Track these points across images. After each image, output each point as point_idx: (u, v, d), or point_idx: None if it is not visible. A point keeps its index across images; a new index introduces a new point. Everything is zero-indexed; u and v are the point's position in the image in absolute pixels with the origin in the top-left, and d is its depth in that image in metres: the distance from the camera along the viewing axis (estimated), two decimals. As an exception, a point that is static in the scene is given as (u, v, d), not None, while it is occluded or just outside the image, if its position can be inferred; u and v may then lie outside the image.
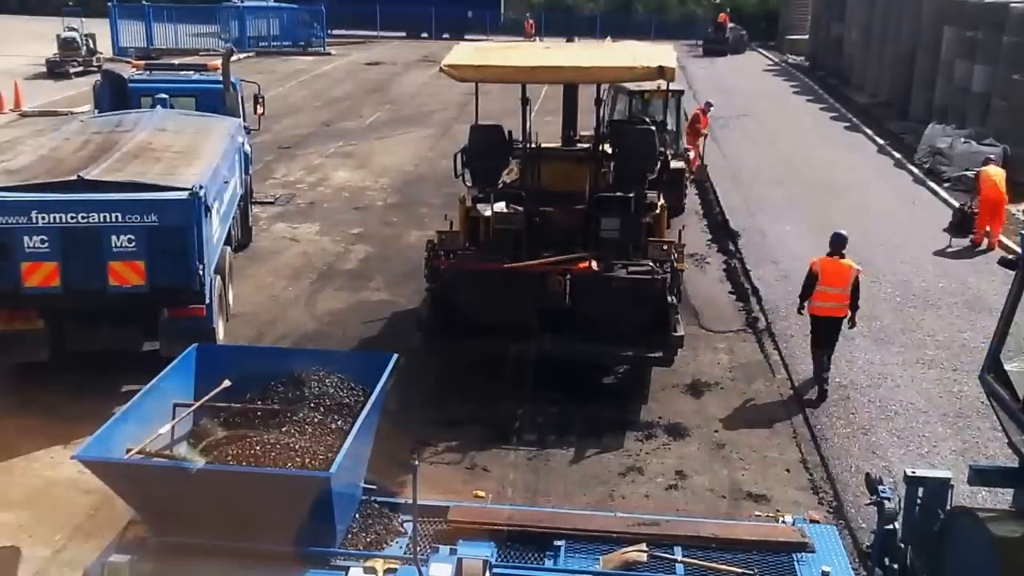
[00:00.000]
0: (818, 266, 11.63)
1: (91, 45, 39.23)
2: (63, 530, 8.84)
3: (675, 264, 11.56)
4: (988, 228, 17.53)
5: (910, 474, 6.72)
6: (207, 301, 11.50)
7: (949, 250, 17.68)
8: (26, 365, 11.83)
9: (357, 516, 5.90)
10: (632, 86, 17.49)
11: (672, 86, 13.89)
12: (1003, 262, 8.14)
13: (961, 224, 18.31)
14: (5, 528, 8.80)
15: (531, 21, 55.49)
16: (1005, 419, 6.80)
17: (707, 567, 5.57)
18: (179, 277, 11.07)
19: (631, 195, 11.67)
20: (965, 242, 17.91)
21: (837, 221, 19.12)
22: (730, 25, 52.27)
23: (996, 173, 17.70)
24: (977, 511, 6.34)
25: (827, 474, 10.24)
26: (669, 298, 11.19)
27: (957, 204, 19.34)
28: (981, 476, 7.33)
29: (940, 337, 13.74)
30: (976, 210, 17.88)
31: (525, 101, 12.43)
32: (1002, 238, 17.56)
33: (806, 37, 48.03)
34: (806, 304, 11.88)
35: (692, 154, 20.76)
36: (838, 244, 11.58)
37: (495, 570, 5.35)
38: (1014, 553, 5.61)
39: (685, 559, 5.61)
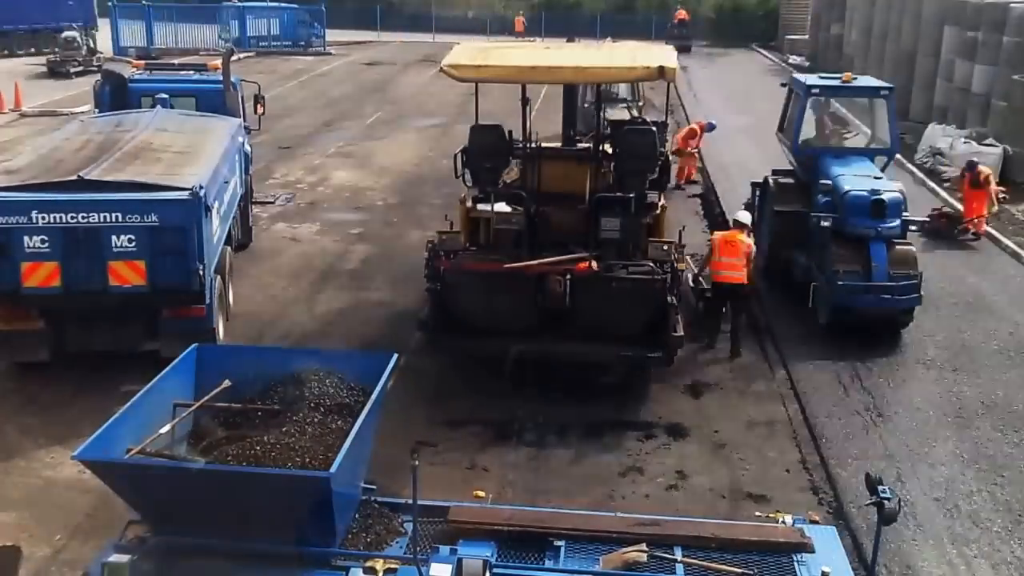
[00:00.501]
0: (717, 241, 13.15)
1: (91, 45, 39.26)
2: (63, 530, 8.86)
3: (675, 264, 11.56)
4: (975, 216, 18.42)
5: (751, 182, 16.37)
6: (207, 301, 11.51)
7: (926, 236, 17.63)
8: (26, 365, 11.84)
9: (357, 516, 5.90)
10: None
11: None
12: (782, 84, 16.23)
13: (944, 227, 18.23)
14: (5, 528, 8.81)
15: (521, 18, 55.17)
16: (785, 151, 15.95)
17: (707, 567, 5.57)
18: (179, 277, 11.08)
19: (631, 195, 11.66)
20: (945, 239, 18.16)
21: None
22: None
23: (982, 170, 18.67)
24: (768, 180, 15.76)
25: (827, 474, 10.25)
26: (669, 298, 11.20)
27: (930, 211, 18.79)
28: (778, 173, 15.65)
29: (939, 337, 13.74)
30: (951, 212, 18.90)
31: (525, 101, 12.43)
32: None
33: (806, 37, 48.00)
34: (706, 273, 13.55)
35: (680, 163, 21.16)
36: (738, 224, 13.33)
37: (495, 570, 5.34)
38: (779, 191, 14.76)
39: (685, 559, 5.60)
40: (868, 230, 13.17)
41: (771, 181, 15.46)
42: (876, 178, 14.01)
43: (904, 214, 13.49)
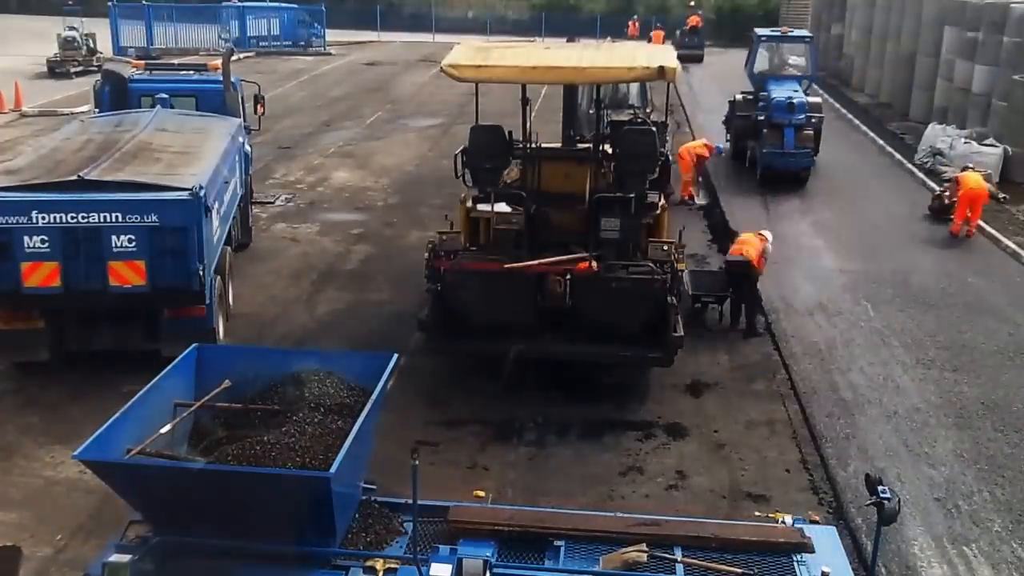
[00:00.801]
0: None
1: (91, 45, 39.26)
2: (64, 530, 8.86)
3: (675, 264, 11.56)
4: (968, 217, 18.51)
5: (728, 100, 24.81)
6: (207, 301, 11.51)
7: (925, 236, 18.68)
8: (27, 365, 11.85)
9: (357, 516, 5.90)
10: None
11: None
12: (745, 33, 25.04)
13: (939, 211, 19.46)
14: (6, 528, 8.82)
15: (635, 22, 50.72)
16: (747, 79, 24.38)
17: (707, 567, 5.57)
18: (179, 277, 11.08)
19: (631, 195, 11.66)
20: (944, 230, 18.80)
21: (837, 221, 19.22)
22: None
23: (973, 176, 18.81)
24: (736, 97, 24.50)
25: (827, 474, 10.25)
26: (669, 298, 11.19)
27: (937, 189, 20.39)
28: (744, 93, 24.12)
29: (940, 338, 13.75)
30: (955, 200, 18.85)
31: (525, 101, 12.43)
32: (981, 223, 18.65)
33: (806, 37, 47.97)
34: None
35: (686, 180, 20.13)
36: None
37: (495, 570, 5.35)
38: (741, 103, 23.85)
39: (685, 559, 5.61)
40: (784, 119, 21.34)
41: (737, 97, 24.06)
42: (795, 91, 22.17)
43: (819, 114, 22.65)
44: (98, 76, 18.94)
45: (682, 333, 11.25)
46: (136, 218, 10.80)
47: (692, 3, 51.61)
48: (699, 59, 43.06)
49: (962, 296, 15.37)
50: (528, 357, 11.12)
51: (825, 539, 5.95)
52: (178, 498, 5.36)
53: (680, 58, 12.01)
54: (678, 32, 46.57)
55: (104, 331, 11.54)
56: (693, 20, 47.23)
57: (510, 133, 12.38)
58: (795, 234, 18.36)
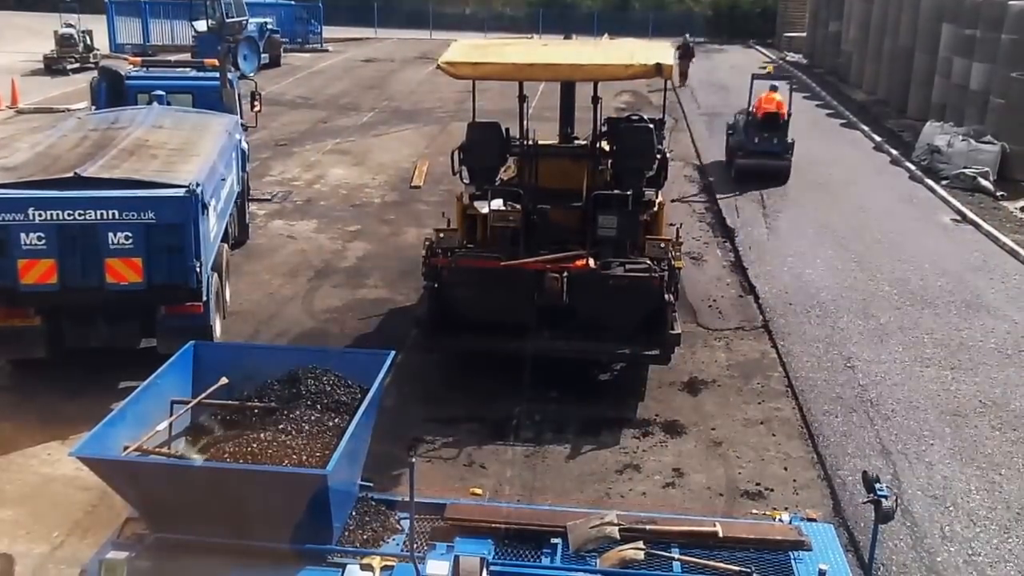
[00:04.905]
0: None
1: (88, 41, 39.18)
2: (61, 527, 8.85)
3: (672, 262, 11.55)
4: None
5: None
6: (204, 298, 11.49)
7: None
8: (23, 362, 11.84)
9: (354, 513, 5.90)
10: None
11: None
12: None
13: None
14: (3, 525, 8.81)
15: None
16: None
17: (704, 565, 5.57)
18: (176, 274, 11.06)
19: (629, 193, 11.65)
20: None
21: (834, 218, 19.22)
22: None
23: None
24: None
25: (824, 472, 10.26)
26: (666, 296, 11.19)
27: None
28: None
29: (938, 335, 13.75)
30: None
31: (522, 98, 12.42)
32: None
33: (804, 34, 47.98)
34: None
35: None
36: None
37: (492, 568, 5.34)
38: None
39: (682, 557, 5.61)
40: None
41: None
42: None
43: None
44: (95, 73, 18.92)
45: (679, 331, 11.25)
46: (133, 215, 10.77)
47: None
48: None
49: (960, 294, 15.38)
50: (526, 355, 11.11)
51: (822, 537, 5.95)
52: (175, 495, 5.35)
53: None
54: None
55: (101, 328, 11.51)
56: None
57: (507, 130, 12.37)
58: (791, 231, 18.36)
